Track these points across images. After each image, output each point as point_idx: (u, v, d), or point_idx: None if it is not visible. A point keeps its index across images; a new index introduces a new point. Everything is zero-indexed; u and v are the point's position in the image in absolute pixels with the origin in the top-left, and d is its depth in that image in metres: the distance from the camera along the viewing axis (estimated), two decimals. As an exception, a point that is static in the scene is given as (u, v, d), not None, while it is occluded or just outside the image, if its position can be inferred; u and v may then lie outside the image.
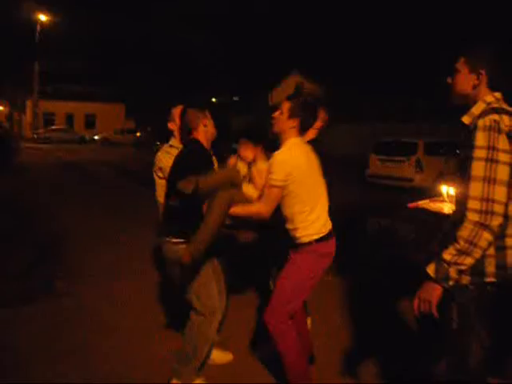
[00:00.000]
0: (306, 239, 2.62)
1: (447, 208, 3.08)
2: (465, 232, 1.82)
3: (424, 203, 3.20)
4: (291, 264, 2.68)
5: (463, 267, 1.84)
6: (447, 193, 4.27)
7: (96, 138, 37.99)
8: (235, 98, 43.09)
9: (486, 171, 1.80)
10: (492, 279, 1.91)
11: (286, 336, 2.64)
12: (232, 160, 3.09)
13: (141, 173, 14.65)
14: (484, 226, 1.79)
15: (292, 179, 2.54)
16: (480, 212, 1.80)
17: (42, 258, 5.34)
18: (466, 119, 1.99)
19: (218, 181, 2.61)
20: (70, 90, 41.45)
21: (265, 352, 3.14)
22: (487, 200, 1.80)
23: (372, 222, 8.63)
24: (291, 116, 2.65)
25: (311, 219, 2.62)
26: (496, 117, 1.86)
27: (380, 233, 7.76)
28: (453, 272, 1.85)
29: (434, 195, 4.44)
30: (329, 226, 2.71)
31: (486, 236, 1.80)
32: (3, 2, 33.25)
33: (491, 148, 1.81)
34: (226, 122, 28.02)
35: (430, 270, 1.89)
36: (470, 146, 1.86)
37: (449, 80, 2.10)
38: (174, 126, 3.28)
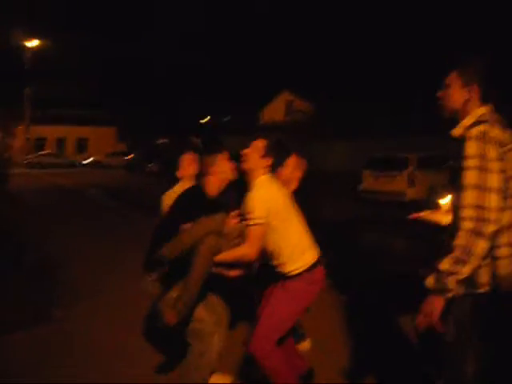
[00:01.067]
0: (295, 272, 2.59)
1: (446, 220, 3.07)
2: (460, 240, 1.82)
3: (425, 215, 3.20)
4: (282, 291, 2.63)
5: (461, 276, 1.82)
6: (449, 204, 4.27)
7: (87, 161, 37.86)
8: (226, 119, 43.32)
9: (477, 179, 1.82)
10: (486, 289, 1.90)
11: (273, 357, 2.59)
12: (232, 214, 2.92)
13: (133, 195, 14.62)
14: (479, 233, 1.79)
15: (273, 215, 2.52)
16: (474, 220, 1.80)
17: (36, 284, 5.25)
18: (457, 131, 2.01)
19: (201, 231, 2.56)
20: (60, 115, 41.45)
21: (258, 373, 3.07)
22: (480, 208, 1.80)
23: (366, 237, 8.61)
24: (265, 155, 2.63)
25: (298, 252, 2.60)
26: (485, 127, 1.88)
27: (375, 247, 7.74)
28: (451, 282, 1.83)
29: (434, 207, 4.44)
30: (316, 254, 2.68)
31: (482, 244, 1.80)
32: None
33: (482, 157, 1.82)
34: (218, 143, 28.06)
35: (429, 282, 1.88)
36: (462, 156, 1.87)
37: (440, 94, 2.12)
38: (181, 172, 3.27)
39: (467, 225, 1.80)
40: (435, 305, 1.85)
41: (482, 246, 1.79)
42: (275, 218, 2.53)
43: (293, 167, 3.27)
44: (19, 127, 40.62)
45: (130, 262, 6.15)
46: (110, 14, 56.64)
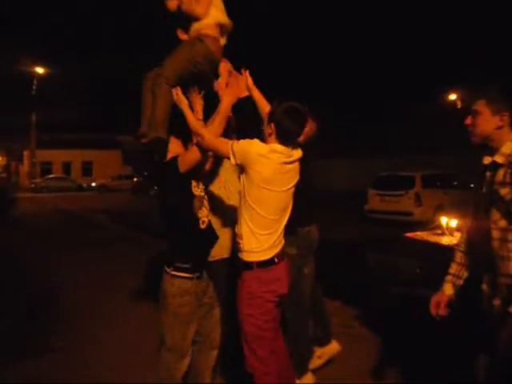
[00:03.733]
0: (248, 257, 2.47)
1: (446, 240, 3.07)
2: None
3: (422, 234, 3.18)
4: (240, 295, 2.52)
5: None
6: (447, 225, 4.22)
7: (93, 184, 38.10)
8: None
9: None
10: None
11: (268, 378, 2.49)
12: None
13: (138, 219, 14.52)
14: None
15: (246, 162, 2.40)
16: None
17: (37, 313, 5.18)
18: (499, 158, 2.03)
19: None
20: (66, 139, 41.80)
21: None
22: None
23: (373, 258, 8.48)
24: (268, 122, 2.53)
25: (259, 241, 2.46)
26: None
27: (382, 269, 7.61)
28: None
29: (433, 227, 4.39)
30: (277, 250, 2.53)
31: None
32: (1, 56, 34.16)
33: None
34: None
35: None
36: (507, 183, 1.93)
37: (468, 121, 2.12)
38: None
39: None
40: None
41: None
42: (248, 174, 2.41)
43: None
44: (25, 151, 41.05)
45: (134, 288, 6.08)
46: (115, 41, 57.49)
